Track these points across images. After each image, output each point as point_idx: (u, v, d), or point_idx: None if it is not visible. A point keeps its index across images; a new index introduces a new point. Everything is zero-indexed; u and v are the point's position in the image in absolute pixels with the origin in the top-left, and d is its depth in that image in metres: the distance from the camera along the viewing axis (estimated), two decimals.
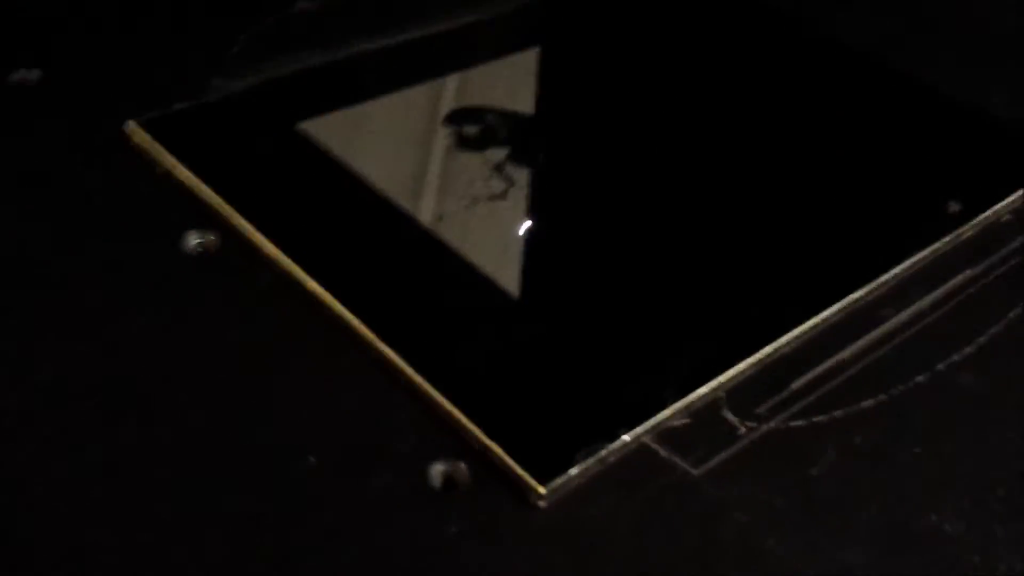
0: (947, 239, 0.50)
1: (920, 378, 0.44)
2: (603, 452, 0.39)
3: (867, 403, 0.43)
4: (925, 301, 0.47)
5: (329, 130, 0.52)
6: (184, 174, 0.48)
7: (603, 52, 0.61)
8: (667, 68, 0.60)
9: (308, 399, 0.41)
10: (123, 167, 0.49)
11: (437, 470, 0.38)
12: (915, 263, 0.49)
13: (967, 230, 0.51)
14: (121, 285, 0.44)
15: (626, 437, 0.40)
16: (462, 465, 0.38)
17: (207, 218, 0.47)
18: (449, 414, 0.40)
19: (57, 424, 0.39)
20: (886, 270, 0.48)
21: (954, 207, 0.52)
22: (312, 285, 0.44)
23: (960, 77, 0.61)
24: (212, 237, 0.46)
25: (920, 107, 0.59)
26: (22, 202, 0.48)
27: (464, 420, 0.39)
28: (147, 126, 0.50)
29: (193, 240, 0.46)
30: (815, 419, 0.42)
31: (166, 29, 0.59)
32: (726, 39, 0.63)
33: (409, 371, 0.41)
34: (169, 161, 0.49)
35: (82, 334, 0.42)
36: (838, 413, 0.42)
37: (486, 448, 0.39)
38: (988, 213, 0.52)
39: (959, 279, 0.48)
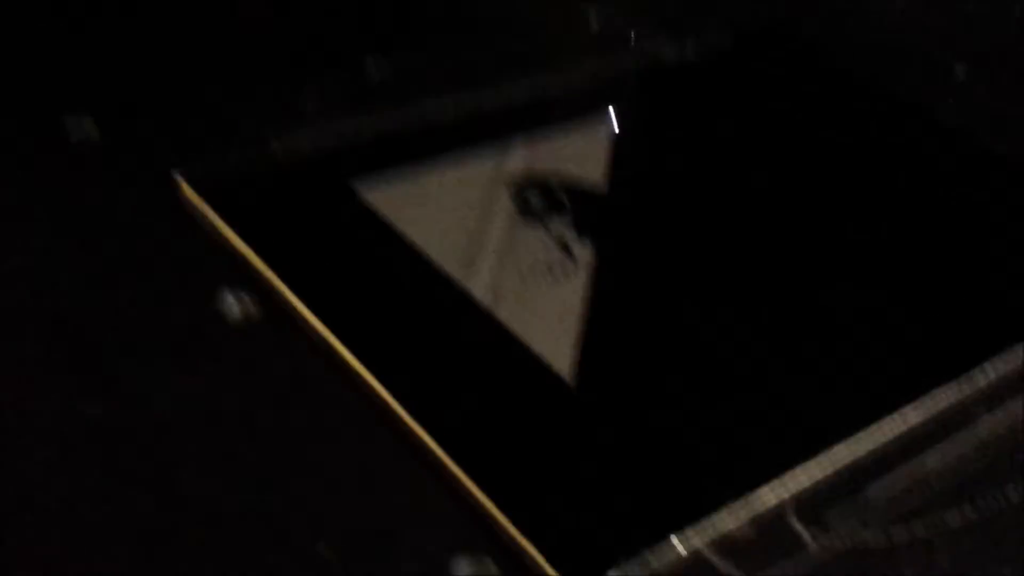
0: None
1: (1012, 491, 0.40)
2: (650, 558, 0.35)
3: (952, 518, 0.39)
4: (1020, 402, 0.43)
5: (386, 194, 0.50)
6: (228, 233, 0.46)
7: (683, 125, 0.58)
8: (749, 146, 0.57)
9: (333, 481, 0.38)
10: (170, 221, 0.48)
11: (463, 567, 0.35)
12: (1009, 359, 0.44)
13: None
14: (150, 345, 0.42)
15: (676, 542, 0.36)
16: (490, 562, 0.35)
17: (248, 281, 0.45)
18: (480, 503, 0.36)
19: (63, 493, 0.37)
20: (976, 365, 0.44)
21: None
22: (350, 359, 0.41)
23: None
24: (251, 302, 0.44)
25: (1013, 184, 0.55)
26: (62, 248, 0.46)
27: (495, 511, 0.36)
28: (196, 181, 0.48)
29: (232, 303, 0.44)
30: (893, 534, 0.38)
31: (229, 82, 0.57)
32: (813, 114, 0.59)
33: (443, 456, 0.38)
34: (214, 218, 0.47)
35: (103, 393, 0.40)
36: (919, 528, 0.38)
37: (516, 544, 0.35)
38: None
39: None
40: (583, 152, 0.54)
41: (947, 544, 0.38)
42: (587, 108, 0.57)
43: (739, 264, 0.49)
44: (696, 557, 0.36)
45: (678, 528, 0.36)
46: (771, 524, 0.38)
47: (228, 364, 0.42)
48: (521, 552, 0.35)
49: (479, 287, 0.46)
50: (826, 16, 0.67)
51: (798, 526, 0.38)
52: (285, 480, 0.38)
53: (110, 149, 0.52)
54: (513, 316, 0.45)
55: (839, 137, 0.58)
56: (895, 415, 0.41)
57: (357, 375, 0.41)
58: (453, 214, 0.50)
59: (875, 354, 0.44)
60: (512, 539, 0.35)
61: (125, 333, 0.43)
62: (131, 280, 0.45)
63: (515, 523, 0.35)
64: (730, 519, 0.37)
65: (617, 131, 0.56)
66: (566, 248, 0.48)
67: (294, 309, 0.43)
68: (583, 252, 0.48)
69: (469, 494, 0.37)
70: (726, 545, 0.37)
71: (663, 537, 0.36)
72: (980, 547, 0.38)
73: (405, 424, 0.39)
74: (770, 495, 0.38)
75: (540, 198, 0.51)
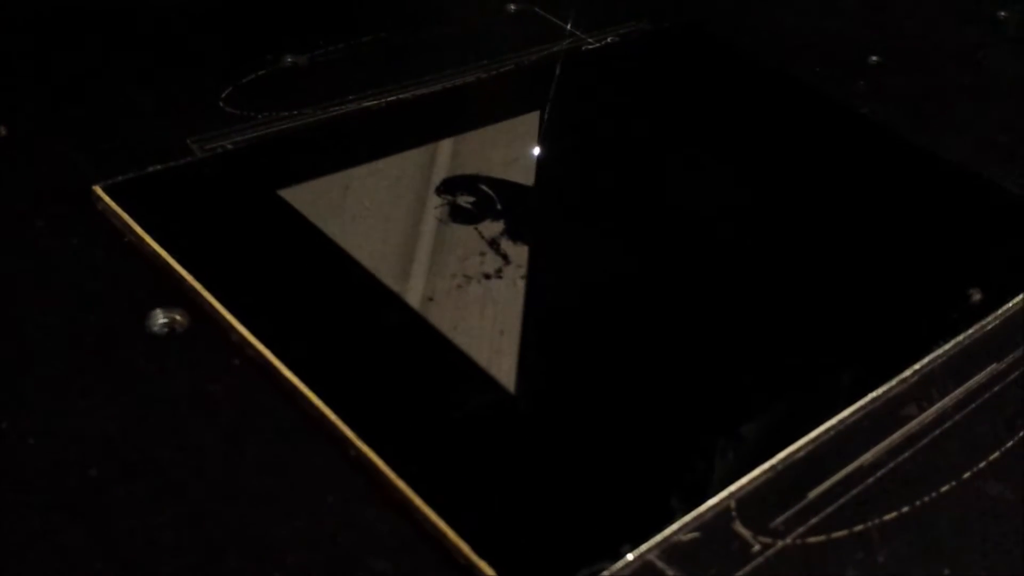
0: (970, 331, 0.47)
1: (945, 487, 0.41)
2: (605, 573, 0.35)
3: (890, 516, 0.39)
4: (948, 399, 0.44)
5: (312, 198, 0.49)
6: (151, 246, 0.45)
7: (610, 116, 0.58)
8: (677, 134, 0.57)
9: (277, 507, 0.37)
10: (89, 235, 0.46)
11: None
12: (936, 357, 0.45)
13: (991, 320, 0.47)
14: (78, 367, 0.41)
15: (630, 556, 0.36)
16: None
17: (175, 295, 0.43)
18: (434, 526, 0.36)
19: None
20: (907, 365, 0.45)
21: (976, 295, 0.48)
22: (286, 373, 0.40)
23: (981, 154, 0.58)
24: (180, 316, 0.43)
25: (939, 185, 0.56)
26: None
27: (450, 533, 0.36)
28: (114, 191, 0.47)
29: (159, 319, 0.42)
30: (834, 534, 0.38)
31: (144, 84, 0.55)
32: (742, 106, 0.60)
33: (391, 475, 0.37)
34: (135, 231, 0.45)
35: (32, 421, 0.38)
36: (859, 527, 0.39)
37: (474, 567, 0.35)
38: (1013, 302, 0.48)
39: (983, 375, 0.45)
40: (512, 149, 0.54)
41: (887, 543, 0.38)
42: (513, 105, 0.57)
43: (676, 258, 0.49)
44: (647, 566, 0.36)
45: (629, 539, 0.36)
46: (717, 529, 0.38)
47: (159, 385, 0.40)
48: (476, 571, 0.35)
49: (414, 293, 0.45)
50: (742, 15, 0.68)
51: (743, 530, 0.38)
52: (228, 507, 0.37)
53: (24, 160, 0.50)
54: (450, 323, 0.44)
55: (771, 128, 0.58)
56: (832, 419, 0.42)
57: (294, 388, 0.40)
58: (383, 219, 0.49)
59: (810, 360, 0.45)
60: (469, 562, 0.35)
61: (46, 350, 0.41)
62: (52, 296, 0.43)
63: (471, 545, 0.35)
64: (679, 529, 0.37)
65: (544, 127, 0.55)
66: (499, 249, 0.48)
67: (226, 325, 0.42)
68: (516, 252, 0.48)
69: (422, 516, 0.36)
70: (675, 553, 0.37)
71: (615, 549, 0.36)
72: (919, 546, 0.38)
73: (351, 443, 0.38)
74: (716, 502, 0.38)
75: (470, 199, 0.51)
